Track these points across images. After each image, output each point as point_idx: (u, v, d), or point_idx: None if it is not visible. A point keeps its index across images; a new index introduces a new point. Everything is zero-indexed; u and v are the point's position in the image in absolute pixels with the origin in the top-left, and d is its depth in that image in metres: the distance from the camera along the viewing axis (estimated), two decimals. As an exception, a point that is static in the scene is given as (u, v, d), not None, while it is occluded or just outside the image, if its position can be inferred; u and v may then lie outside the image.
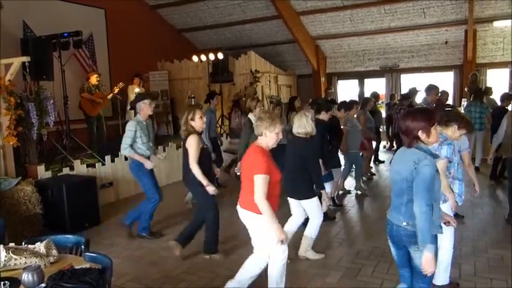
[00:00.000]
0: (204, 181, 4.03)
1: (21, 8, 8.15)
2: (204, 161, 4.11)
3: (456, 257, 4.07)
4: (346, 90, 13.35)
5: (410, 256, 2.60)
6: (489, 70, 10.88)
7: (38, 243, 2.55)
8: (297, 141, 4.13)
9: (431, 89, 6.96)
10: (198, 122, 4.10)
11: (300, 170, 4.01)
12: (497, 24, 10.08)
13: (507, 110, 6.76)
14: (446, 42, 11.21)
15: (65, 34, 6.89)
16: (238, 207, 3.25)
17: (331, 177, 5.15)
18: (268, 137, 3.12)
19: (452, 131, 3.35)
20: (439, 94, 7.28)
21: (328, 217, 5.14)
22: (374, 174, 8.03)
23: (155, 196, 4.89)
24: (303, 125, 4.09)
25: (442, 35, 11.02)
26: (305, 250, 4.16)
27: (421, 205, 2.36)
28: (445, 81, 11.43)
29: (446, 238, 3.30)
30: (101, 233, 5.22)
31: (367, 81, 13.00)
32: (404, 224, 2.49)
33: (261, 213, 3.03)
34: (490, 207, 5.69)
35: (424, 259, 2.39)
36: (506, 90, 9.96)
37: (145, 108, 4.82)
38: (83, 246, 2.71)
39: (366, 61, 12.57)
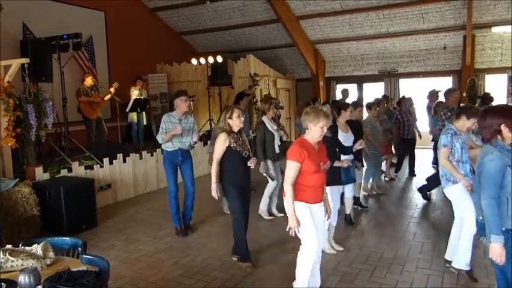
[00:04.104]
0: (213, 179, 4.00)
1: (21, 10, 8.15)
2: (230, 160, 3.98)
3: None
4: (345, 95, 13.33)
5: None
6: (487, 75, 10.88)
7: (35, 245, 2.53)
8: None
9: (450, 91, 6.99)
10: (235, 120, 4.00)
11: None
12: (495, 29, 10.11)
13: None
14: (444, 47, 11.23)
15: (65, 36, 6.89)
16: None
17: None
18: (313, 130, 3.19)
19: (461, 123, 3.64)
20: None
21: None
22: (394, 179, 7.88)
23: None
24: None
25: (441, 40, 11.05)
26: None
27: (485, 197, 2.44)
28: (444, 86, 11.41)
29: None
30: (98, 235, 5.21)
31: (365, 85, 13.00)
32: (481, 218, 2.59)
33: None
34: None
35: (490, 250, 2.44)
36: (505, 95, 10.03)
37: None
38: (80, 249, 2.70)
39: (365, 65, 12.59)
